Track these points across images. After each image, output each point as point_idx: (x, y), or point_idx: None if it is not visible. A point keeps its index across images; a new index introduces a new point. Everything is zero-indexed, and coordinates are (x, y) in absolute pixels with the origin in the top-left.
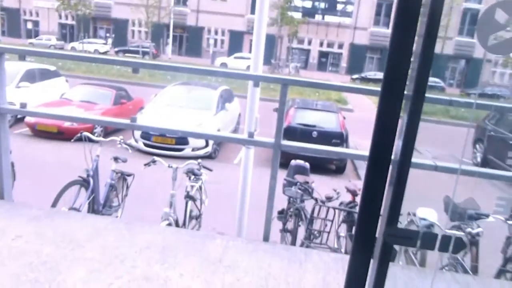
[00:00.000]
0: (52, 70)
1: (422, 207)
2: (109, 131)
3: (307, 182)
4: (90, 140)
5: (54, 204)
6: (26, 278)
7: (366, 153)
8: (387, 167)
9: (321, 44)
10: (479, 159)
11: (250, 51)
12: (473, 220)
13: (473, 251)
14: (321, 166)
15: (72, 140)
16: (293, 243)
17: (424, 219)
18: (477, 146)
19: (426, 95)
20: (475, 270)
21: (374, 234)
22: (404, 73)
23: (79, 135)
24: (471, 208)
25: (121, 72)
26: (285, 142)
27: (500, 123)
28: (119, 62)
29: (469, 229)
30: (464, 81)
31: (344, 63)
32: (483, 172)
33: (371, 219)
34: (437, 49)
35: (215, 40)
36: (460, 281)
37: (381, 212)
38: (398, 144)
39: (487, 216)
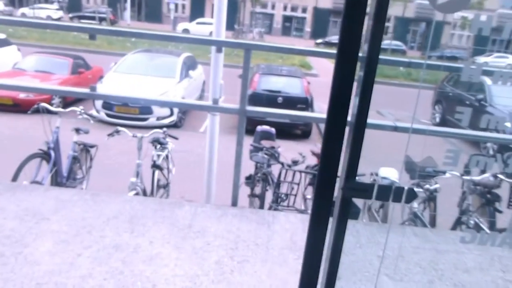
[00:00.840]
0: (1, 38)
1: (384, 167)
2: (69, 101)
3: (273, 147)
4: (49, 112)
5: (14, 178)
6: None
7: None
8: (343, 128)
9: (285, 8)
10: (438, 120)
11: (212, 16)
12: (431, 177)
13: (431, 206)
14: (287, 131)
15: (29, 112)
16: (261, 207)
17: (386, 178)
18: (436, 107)
19: (382, 56)
20: (433, 223)
21: (333, 192)
22: (358, 35)
23: (36, 106)
24: (430, 166)
25: (77, 39)
26: (250, 108)
27: (458, 84)
28: (75, 28)
29: (427, 186)
30: (425, 44)
31: (308, 28)
32: (437, 131)
33: (329, 178)
34: (398, 12)
35: (176, 5)
36: (419, 234)
37: (339, 171)
38: (354, 105)
39: (444, 173)
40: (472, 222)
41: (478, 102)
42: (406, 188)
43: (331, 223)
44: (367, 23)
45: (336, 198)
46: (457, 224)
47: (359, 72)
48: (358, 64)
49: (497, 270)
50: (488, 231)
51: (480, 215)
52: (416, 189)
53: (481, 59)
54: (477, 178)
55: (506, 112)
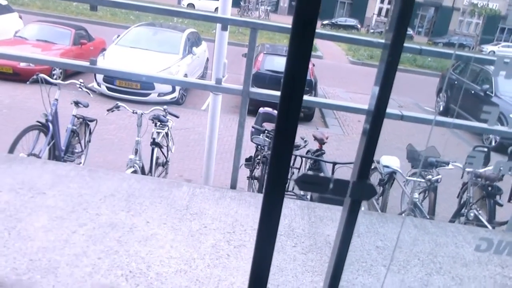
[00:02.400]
0: (3, 4)
1: (386, 155)
2: (69, 73)
3: None
4: (48, 83)
5: (11, 150)
6: None
7: (336, 102)
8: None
9: None
10: (441, 108)
11: None
12: (433, 167)
13: (431, 197)
14: None
15: (28, 82)
16: (260, 190)
17: (387, 167)
18: (441, 95)
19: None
20: (432, 214)
21: (347, 188)
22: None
23: (35, 77)
24: (432, 156)
25: (80, 9)
26: (253, 90)
27: (464, 73)
28: None
29: (429, 176)
30: (432, 29)
31: None
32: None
33: (283, 154)
34: None
35: None
36: (418, 225)
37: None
38: (373, 95)
39: (447, 163)
40: (472, 214)
41: (483, 92)
42: (366, 183)
43: (339, 224)
44: (392, 9)
45: (345, 200)
46: (457, 215)
47: (380, 61)
48: (380, 52)
49: (495, 265)
50: (488, 224)
51: (480, 207)
52: (417, 179)
53: (488, 47)
54: (479, 170)
55: (510, 102)
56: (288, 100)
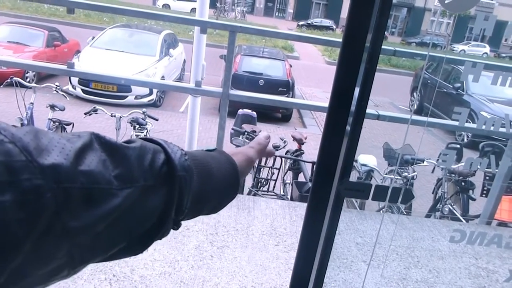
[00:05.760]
0: None
1: (364, 154)
2: (43, 76)
3: (254, 131)
4: (22, 86)
5: None
6: None
7: (313, 103)
8: (345, 121)
9: None
10: (416, 107)
11: None
12: (409, 165)
13: None
14: (267, 114)
15: (1, 86)
16: (241, 191)
17: (365, 165)
18: (414, 94)
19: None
20: (409, 210)
21: (330, 187)
22: (366, 25)
23: (9, 80)
24: (408, 154)
25: (52, 10)
26: (233, 92)
27: (437, 72)
28: (51, 1)
29: (405, 174)
30: (405, 29)
31: (290, 9)
32: (422, 121)
33: (328, 173)
34: None
35: None
36: (395, 221)
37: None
38: (354, 97)
39: (422, 161)
40: (446, 209)
41: (455, 91)
42: (403, 188)
43: (325, 222)
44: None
45: (331, 195)
46: (432, 210)
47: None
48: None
49: (470, 257)
50: (462, 218)
51: (454, 202)
52: (394, 177)
53: (459, 47)
54: (453, 166)
55: (481, 100)
56: (335, 118)
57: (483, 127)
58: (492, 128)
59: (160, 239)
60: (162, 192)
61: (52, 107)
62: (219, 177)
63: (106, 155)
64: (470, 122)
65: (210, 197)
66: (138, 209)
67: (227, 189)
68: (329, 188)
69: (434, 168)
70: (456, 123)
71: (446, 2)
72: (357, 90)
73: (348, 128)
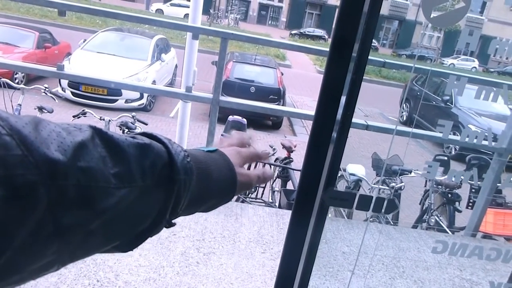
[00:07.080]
0: None
1: (352, 163)
2: (32, 77)
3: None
4: (10, 87)
5: None
6: None
7: (303, 111)
8: (331, 129)
9: None
10: (405, 118)
11: None
12: (397, 175)
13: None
14: (258, 121)
15: None
16: None
17: (353, 175)
18: (404, 105)
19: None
20: (396, 220)
21: (315, 196)
22: (353, 34)
23: None
24: (396, 164)
25: (44, 11)
26: (224, 98)
27: (426, 84)
28: (43, 2)
29: (392, 184)
30: (396, 41)
31: (283, 18)
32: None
33: (313, 181)
34: None
35: None
36: (382, 231)
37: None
38: (341, 105)
39: (410, 171)
40: (433, 220)
41: (444, 103)
42: (387, 199)
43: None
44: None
45: (315, 203)
46: (419, 221)
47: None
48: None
49: (454, 268)
50: (448, 229)
51: (440, 213)
52: (381, 187)
53: (448, 60)
54: (439, 178)
55: (469, 113)
56: (321, 126)
57: (466, 139)
58: (475, 141)
59: (151, 236)
60: (160, 194)
61: (41, 109)
62: (217, 181)
63: (106, 152)
64: (458, 135)
65: (206, 200)
66: (134, 209)
67: (223, 193)
68: (313, 197)
69: (426, 180)
70: (441, 134)
71: (431, 16)
72: (343, 99)
73: (334, 136)
